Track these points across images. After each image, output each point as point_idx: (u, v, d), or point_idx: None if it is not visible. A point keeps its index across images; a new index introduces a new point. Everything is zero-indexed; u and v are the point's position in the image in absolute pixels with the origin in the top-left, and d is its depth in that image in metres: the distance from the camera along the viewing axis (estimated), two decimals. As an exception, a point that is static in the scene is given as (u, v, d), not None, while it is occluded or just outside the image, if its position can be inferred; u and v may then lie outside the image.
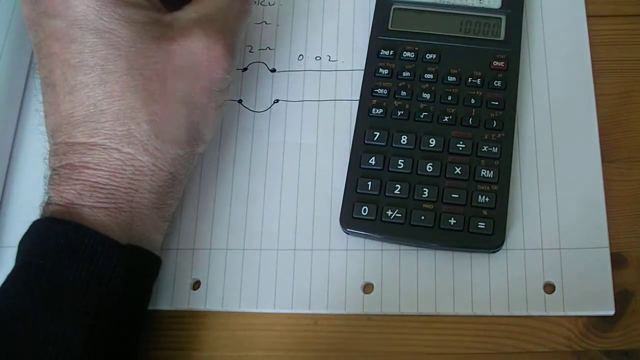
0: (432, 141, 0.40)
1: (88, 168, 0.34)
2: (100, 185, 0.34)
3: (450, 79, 0.41)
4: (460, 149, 0.39)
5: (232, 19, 0.37)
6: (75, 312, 0.32)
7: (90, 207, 0.34)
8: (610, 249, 0.38)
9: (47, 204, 0.35)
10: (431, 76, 0.41)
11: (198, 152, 0.38)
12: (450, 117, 0.40)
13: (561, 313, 0.37)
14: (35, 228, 0.34)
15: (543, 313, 0.37)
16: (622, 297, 0.37)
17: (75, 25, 0.33)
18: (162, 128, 0.34)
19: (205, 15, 0.36)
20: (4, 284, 0.33)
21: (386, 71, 0.42)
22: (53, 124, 0.35)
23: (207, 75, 0.35)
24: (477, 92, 0.41)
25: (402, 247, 0.39)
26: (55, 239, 0.33)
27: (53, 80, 0.34)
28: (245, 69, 0.45)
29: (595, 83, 0.42)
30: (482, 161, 0.39)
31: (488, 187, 0.39)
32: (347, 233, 0.39)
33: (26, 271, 0.33)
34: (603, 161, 0.40)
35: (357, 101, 0.42)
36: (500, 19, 0.43)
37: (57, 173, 0.35)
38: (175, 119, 0.35)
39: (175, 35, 0.35)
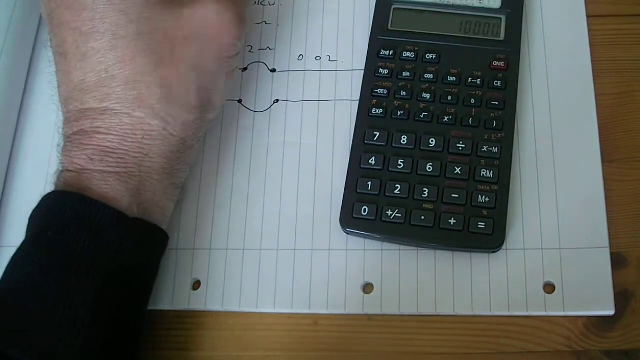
0: (432, 141, 0.40)
1: (99, 133, 0.34)
2: (111, 150, 0.34)
3: (450, 79, 0.41)
4: (460, 149, 0.39)
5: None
6: (83, 283, 0.32)
7: (101, 171, 0.34)
8: (610, 249, 0.38)
9: (60, 171, 0.35)
10: (431, 76, 0.41)
11: (208, 119, 0.38)
12: (450, 117, 0.40)
13: (561, 313, 0.37)
14: (45, 201, 0.35)
15: (543, 313, 0.37)
16: (622, 297, 0.37)
17: None
18: (172, 92, 0.35)
19: None
20: (13, 256, 0.34)
21: (386, 71, 0.42)
22: (66, 92, 0.35)
23: (217, 41, 0.36)
24: (477, 92, 0.41)
25: (402, 247, 0.39)
26: (63, 211, 0.33)
27: (65, 49, 0.35)
28: (245, 69, 0.45)
29: (595, 83, 0.42)
30: (482, 161, 0.39)
31: (488, 187, 0.39)
32: (347, 233, 0.39)
33: (35, 243, 0.34)
34: (603, 161, 0.40)
35: (357, 101, 0.42)
36: (500, 19, 0.43)
37: (70, 140, 0.35)
38: (185, 83, 0.35)
39: (187, 1, 0.35)
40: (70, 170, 0.35)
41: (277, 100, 0.44)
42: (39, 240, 0.34)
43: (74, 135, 0.35)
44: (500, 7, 0.43)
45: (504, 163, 0.39)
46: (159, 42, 0.34)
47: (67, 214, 0.33)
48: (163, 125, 0.35)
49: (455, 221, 0.38)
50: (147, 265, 0.36)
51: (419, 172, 0.39)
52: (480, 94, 0.41)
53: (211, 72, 0.37)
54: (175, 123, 0.35)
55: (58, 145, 0.36)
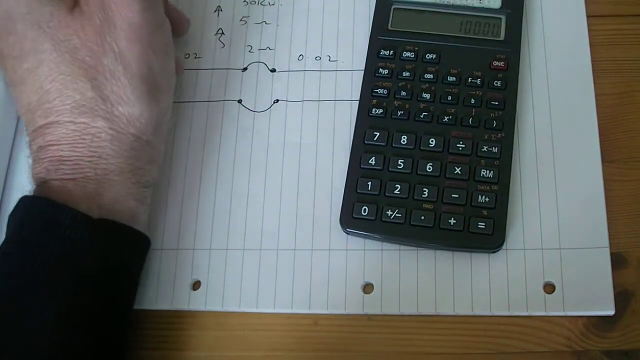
0: (432, 141, 0.40)
1: (51, 145, 0.35)
2: (65, 158, 0.35)
3: (450, 79, 0.41)
4: (460, 149, 0.39)
5: None
6: (50, 289, 0.33)
7: (59, 180, 0.35)
8: (610, 249, 0.38)
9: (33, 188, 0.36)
10: (431, 76, 0.41)
11: (161, 108, 0.37)
12: (450, 117, 0.40)
13: (561, 313, 0.37)
14: (19, 205, 0.35)
15: (543, 313, 0.37)
16: (622, 297, 0.37)
17: (6, 17, 0.35)
18: (105, 90, 0.35)
19: None
20: None
21: (386, 71, 0.42)
22: (23, 117, 0.37)
23: (124, 23, 0.35)
24: (477, 92, 0.41)
25: (402, 247, 0.39)
26: (30, 215, 0.34)
27: (9, 77, 0.36)
28: (245, 69, 0.45)
29: (595, 83, 0.42)
30: (482, 161, 0.39)
31: (488, 187, 0.39)
32: (347, 233, 0.39)
33: (7, 249, 0.34)
34: (603, 161, 0.40)
35: (357, 101, 0.42)
36: (500, 19, 0.43)
37: (32, 158, 0.36)
38: (114, 77, 0.35)
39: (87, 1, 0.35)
40: (35, 185, 0.36)
41: (277, 100, 0.44)
42: (11, 245, 0.34)
43: (34, 154, 0.36)
44: (500, 7, 0.43)
45: (504, 163, 0.39)
46: (75, 46, 0.35)
47: (33, 218, 0.34)
48: (108, 124, 0.35)
49: (455, 221, 0.38)
50: (123, 266, 0.36)
51: (419, 172, 0.39)
52: (480, 94, 0.41)
53: (136, 57, 0.36)
54: (120, 120, 0.35)
55: (29, 166, 0.37)
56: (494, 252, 0.38)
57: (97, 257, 0.34)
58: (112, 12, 0.35)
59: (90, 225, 0.34)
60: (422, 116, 0.40)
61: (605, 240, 0.38)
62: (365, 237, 0.39)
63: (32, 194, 0.35)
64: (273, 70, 0.45)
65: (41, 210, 0.34)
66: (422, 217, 0.38)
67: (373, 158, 0.40)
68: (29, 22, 0.35)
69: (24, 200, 0.35)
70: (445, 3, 0.43)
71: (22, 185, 0.42)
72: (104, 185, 0.35)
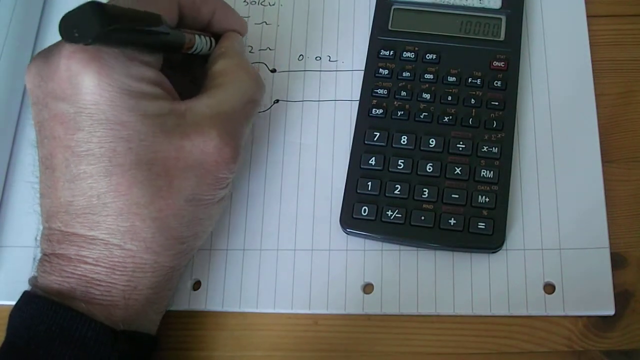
0: (432, 141, 0.40)
1: (86, 263, 0.32)
2: (97, 282, 0.32)
3: (450, 79, 0.41)
4: (460, 149, 0.39)
5: (242, 120, 0.36)
6: None
7: (86, 302, 0.32)
8: (610, 249, 0.38)
9: (36, 285, 0.33)
10: (431, 76, 0.41)
11: (198, 245, 0.37)
12: (450, 117, 0.40)
13: (561, 313, 0.37)
14: (27, 304, 0.32)
15: (543, 313, 0.37)
16: (622, 297, 0.37)
17: (84, 113, 0.31)
18: (166, 225, 0.33)
19: (219, 113, 0.35)
20: None
21: (386, 71, 0.42)
22: (49, 207, 0.33)
23: (214, 174, 0.34)
24: (477, 92, 0.41)
25: (402, 247, 0.39)
26: (47, 323, 0.31)
27: (53, 164, 0.32)
28: (246, 69, 0.45)
29: (595, 83, 0.42)
30: (482, 161, 0.39)
31: (488, 187, 0.39)
32: (347, 233, 0.39)
33: (16, 355, 0.32)
34: (603, 161, 0.40)
35: (357, 101, 0.42)
36: (500, 19, 0.43)
37: (49, 260, 0.33)
38: (180, 215, 0.34)
39: (187, 130, 0.33)
40: (49, 293, 0.33)
41: (277, 101, 0.44)
42: (21, 353, 0.32)
43: (54, 257, 0.33)
44: (500, 7, 0.43)
45: (504, 163, 0.39)
46: (157, 173, 0.32)
47: (50, 327, 0.31)
48: (155, 257, 0.33)
49: (455, 221, 0.38)
50: None
51: (419, 173, 0.39)
52: (480, 94, 0.41)
53: (205, 204, 0.35)
54: (167, 254, 0.34)
55: (34, 258, 0.35)
56: (494, 252, 0.38)
57: None
58: (210, 160, 0.34)
59: (114, 340, 0.32)
60: (422, 116, 0.40)
61: (605, 240, 0.38)
62: (365, 237, 0.39)
63: (34, 286, 0.33)
64: (273, 71, 0.45)
65: (59, 319, 0.31)
66: (422, 217, 0.38)
67: (373, 158, 0.40)
68: (114, 132, 0.32)
69: (39, 301, 0.32)
70: (445, 3, 0.43)
71: (23, 186, 0.42)
72: (128, 315, 0.33)
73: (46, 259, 0.33)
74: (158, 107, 0.33)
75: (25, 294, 0.33)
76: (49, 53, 0.32)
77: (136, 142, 0.32)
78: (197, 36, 0.37)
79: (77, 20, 0.28)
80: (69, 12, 0.29)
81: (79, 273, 0.32)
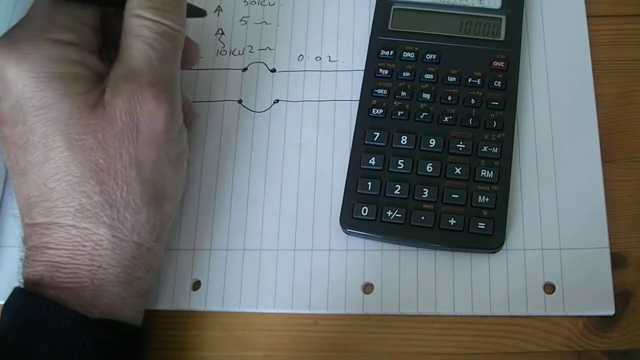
0: (432, 141, 0.40)
1: (48, 248, 0.33)
2: (62, 265, 0.33)
3: (450, 79, 0.41)
4: (460, 149, 0.39)
5: (157, 65, 0.35)
6: None
7: (54, 287, 0.33)
8: (610, 249, 0.38)
9: (20, 281, 0.34)
10: (431, 76, 0.41)
11: (165, 214, 0.36)
12: (450, 117, 0.40)
13: (561, 313, 0.37)
14: (10, 298, 0.34)
15: (543, 313, 0.37)
16: (622, 297, 0.37)
17: (16, 107, 0.33)
18: (114, 196, 0.33)
19: (132, 70, 0.34)
20: None
21: (386, 71, 0.42)
22: (19, 206, 0.35)
23: (147, 130, 0.34)
24: (477, 92, 0.41)
25: (402, 247, 0.39)
26: (23, 313, 0.32)
27: (10, 164, 0.34)
28: (246, 69, 0.45)
29: (595, 83, 0.42)
30: (482, 161, 0.39)
31: (488, 187, 0.39)
32: (347, 233, 0.39)
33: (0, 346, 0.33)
34: (603, 161, 0.40)
35: (357, 101, 0.42)
36: (500, 19, 0.43)
37: (26, 255, 0.34)
38: (126, 183, 0.33)
39: (110, 97, 0.34)
40: (26, 287, 0.34)
41: (277, 100, 0.44)
42: (1, 345, 0.32)
43: (28, 251, 0.34)
44: (500, 7, 0.43)
45: (504, 163, 0.39)
46: (90, 148, 0.33)
47: (26, 317, 0.32)
48: (112, 232, 0.33)
49: (455, 221, 0.38)
50: None
51: (419, 173, 0.39)
52: (480, 94, 0.41)
53: (152, 164, 0.34)
54: (125, 227, 0.34)
55: (20, 259, 0.35)
56: (494, 252, 0.38)
57: (92, 358, 0.32)
58: (137, 116, 0.33)
59: (89, 329, 0.32)
60: (422, 116, 0.40)
61: (605, 240, 0.38)
62: (365, 237, 0.39)
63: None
64: (273, 70, 0.45)
65: (35, 309, 0.32)
66: (422, 217, 0.38)
67: (373, 158, 0.40)
68: (41, 117, 0.32)
69: (20, 294, 0.33)
70: (445, 3, 0.43)
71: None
72: (99, 297, 0.33)
73: (25, 254, 0.35)
74: (81, 85, 0.33)
75: (13, 290, 0.34)
76: None
77: (64, 122, 0.33)
78: None
79: None
80: None
81: (45, 259, 0.33)
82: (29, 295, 0.33)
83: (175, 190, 0.36)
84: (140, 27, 0.35)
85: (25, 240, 0.35)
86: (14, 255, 0.40)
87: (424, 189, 0.39)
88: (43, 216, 0.33)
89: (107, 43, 0.37)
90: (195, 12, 0.41)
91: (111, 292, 0.34)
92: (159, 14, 0.35)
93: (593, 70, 0.42)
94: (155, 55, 0.34)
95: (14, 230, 0.41)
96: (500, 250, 0.38)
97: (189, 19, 0.37)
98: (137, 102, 0.33)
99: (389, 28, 0.43)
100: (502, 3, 0.43)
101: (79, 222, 0.33)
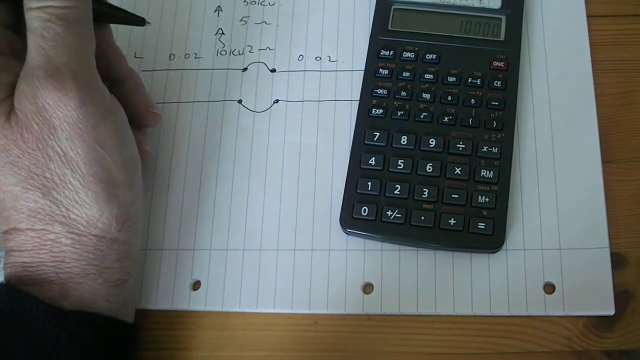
0: (432, 141, 0.40)
1: (13, 251, 0.34)
2: (27, 264, 0.34)
3: (450, 79, 0.41)
4: (460, 149, 0.39)
5: (57, 53, 0.33)
6: None
7: (22, 284, 0.34)
8: (610, 249, 0.38)
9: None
10: (431, 76, 0.41)
11: (123, 201, 0.35)
12: (450, 117, 0.40)
13: (561, 313, 0.37)
14: None
15: (543, 313, 0.37)
16: (622, 297, 0.37)
17: None
18: (57, 195, 0.33)
19: (29, 68, 0.33)
20: None
21: (386, 71, 0.42)
22: None
23: (62, 122, 0.33)
24: (477, 92, 0.41)
25: (402, 247, 0.39)
26: (0, 306, 0.33)
27: None
28: (245, 69, 0.45)
29: (595, 83, 0.42)
30: (482, 161, 0.39)
31: (488, 187, 0.39)
32: (347, 233, 0.39)
33: None
34: (603, 161, 0.40)
35: (357, 101, 0.42)
36: (500, 19, 0.43)
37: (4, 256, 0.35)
38: (64, 182, 0.33)
39: (16, 103, 0.33)
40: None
41: (277, 100, 0.44)
42: None
43: (5, 256, 0.35)
44: (500, 7, 0.43)
45: (504, 163, 0.39)
46: (17, 155, 0.33)
47: (1, 309, 0.33)
48: (66, 229, 0.33)
49: (455, 221, 0.38)
50: (102, 358, 0.34)
51: (419, 173, 0.39)
52: (480, 94, 0.41)
53: (84, 156, 0.33)
54: (78, 222, 0.34)
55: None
56: (494, 252, 0.38)
57: (67, 351, 0.32)
58: (48, 114, 0.32)
59: (63, 320, 0.33)
60: (422, 116, 0.40)
61: (605, 240, 0.38)
62: (365, 237, 0.39)
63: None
64: (273, 70, 0.45)
65: (8, 301, 0.33)
66: (422, 218, 0.38)
67: (373, 158, 0.40)
68: None
69: None
70: (445, 3, 0.43)
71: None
72: (67, 289, 0.34)
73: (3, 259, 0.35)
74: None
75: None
76: None
77: None
78: None
79: None
80: None
81: (12, 262, 0.34)
82: (5, 289, 0.34)
83: (125, 176, 0.35)
84: (31, 20, 0.33)
85: (2, 246, 0.35)
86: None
87: (424, 189, 0.39)
88: (4, 225, 0.34)
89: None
90: (133, 19, 0.40)
91: (79, 283, 0.34)
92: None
93: (593, 70, 0.42)
94: (47, 44, 0.33)
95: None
96: (500, 250, 0.38)
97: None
98: (41, 99, 0.32)
99: (389, 28, 0.43)
100: (502, 3, 0.43)
101: (35, 225, 0.33)
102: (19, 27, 0.36)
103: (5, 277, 0.34)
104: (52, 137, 0.33)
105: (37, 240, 0.34)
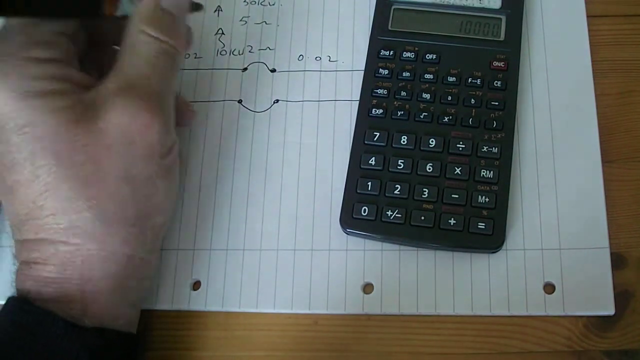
0: (432, 141, 0.40)
1: (37, 263, 0.33)
2: (50, 280, 0.33)
3: (450, 79, 0.41)
4: (460, 149, 0.39)
5: (154, 82, 0.34)
6: None
7: (42, 301, 0.33)
8: (610, 249, 0.38)
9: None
10: (431, 76, 0.41)
11: (157, 225, 0.35)
12: (450, 117, 0.40)
13: (561, 313, 0.37)
14: (8, 306, 0.33)
15: (543, 313, 0.37)
16: (622, 297, 0.37)
17: None
18: (105, 211, 0.33)
19: (125, 83, 0.34)
20: None
21: (386, 71, 0.42)
22: (10, 223, 0.35)
23: (140, 144, 0.33)
24: (477, 92, 0.41)
25: (402, 247, 0.39)
26: (18, 322, 0.32)
27: None
28: (245, 69, 0.45)
29: (595, 83, 0.42)
30: (482, 161, 0.39)
31: (488, 188, 0.39)
32: (347, 233, 0.39)
33: None
34: (603, 161, 0.40)
35: (357, 101, 0.42)
36: (500, 19, 0.43)
37: (17, 270, 0.34)
38: (118, 198, 0.33)
39: (99, 111, 0.33)
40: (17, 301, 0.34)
41: (277, 100, 0.44)
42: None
43: (20, 266, 0.34)
44: (500, 7, 0.43)
45: (504, 163, 0.39)
46: (80, 163, 0.32)
47: (21, 325, 0.32)
48: (102, 246, 0.33)
49: (455, 221, 0.38)
50: None
51: (419, 173, 0.39)
52: (480, 94, 0.41)
53: (144, 178, 0.34)
54: (115, 241, 0.33)
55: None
56: (494, 252, 0.38)
57: None
58: (131, 131, 0.33)
59: (82, 337, 0.32)
60: (422, 116, 0.40)
61: (605, 240, 0.38)
62: (365, 237, 0.39)
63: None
64: (273, 70, 0.45)
65: (27, 317, 0.32)
66: (422, 218, 0.38)
67: (373, 158, 0.40)
68: (27, 135, 0.32)
69: (13, 303, 0.33)
70: (445, 3, 0.43)
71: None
72: (89, 307, 0.33)
73: (17, 267, 0.34)
74: (65, 101, 0.33)
75: (7, 299, 0.34)
76: None
77: (50, 139, 0.32)
78: None
79: None
80: None
81: (34, 275, 0.33)
82: (23, 303, 0.33)
83: (166, 203, 0.36)
84: (143, 44, 0.34)
85: (16, 255, 0.34)
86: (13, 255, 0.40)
87: (424, 189, 0.39)
88: (33, 233, 0.33)
89: (91, 47, 0.37)
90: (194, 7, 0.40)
91: (102, 302, 0.33)
92: (164, 32, 0.35)
93: (593, 70, 0.42)
94: (153, 71, 0.34)
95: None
96: (500, 250, 0.38)
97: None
98: (131, 116, 0.33)
99: (389, 28, 0.43)
100: (502, 3, 0.43)
101: (69, 239, 0.33)
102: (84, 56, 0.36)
103: (22, 290, 0.33)
104: (124, 152, 0.33)
105: (68, 255, 0.33)
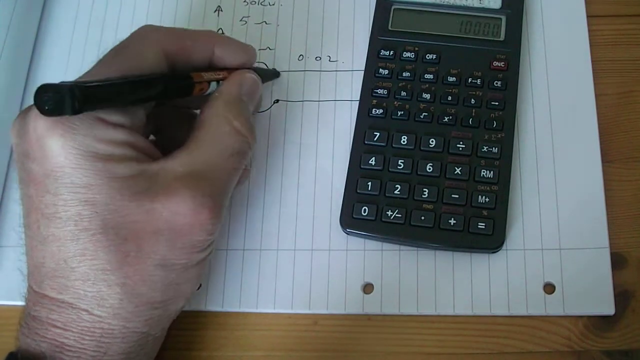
0: (432, 141, 0.40)
1: (55, 327, 0.32)
2: (67, 347, 0.32)
3: (450, 79, 0.41)
4: (460, 149, 0.39)
5: (224, 177, 0.34)
6: None
7: None
8: (610, 249, 0.38)
9: (19, 346, 0.33)
10: (431, 76, 0.41)
11: (179, 308, 0.35)
12: (450, 117, 0.40)
13: (561, 313, 0.37)
14: None
15: (543, 313, 0.37)
16: (622, 297, 0.37)
17: (51, 176, 0.31)
18: (135, 291, 0.32)
19: (194, 171, 0.33)
20: None
21: (386, 71, 0.42)
22: (28, 266, 0.33)
23: (188, 238, 0.32)
24: (477, 92, 0.41)
25: (402, 247, 0.39)
26: None
27: (29, 222, 0.32)
28: (246, 69, 0.45)
29: (595, 83, 0.42)
30: (482, 161, 0.39)
31: (488, 188, 0.39)
32: (347, 233, 0.39)
33: None
34: (603, 161, 0.40)
35: (357, 101, 0.42)
36: (500, 19, 0.43)
37: (26, 321, 0.33)
38: (151, 281, 0.32)
39: (158, 190, 0.32)
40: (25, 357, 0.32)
41: (277, 100, 0.44)
42: None
43: (30, 319, 0.32)
44: (500, 7, 0.43)
45: (504, 163, 0.39)
46: (124, 238, 0.31)
47: None
48: (124, 324, 0.32)
49: (455, 221, 0.38)
50: None
51: (419, 173, 0.39)
52: (480, 94, 0.41)
53: (180, 267, 0.33)
54: (138, 320, 0.32)
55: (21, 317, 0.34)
56: (494, 252, 0.38)
57: None
58: (183, 222, 0.32)
59: None
60: (422, 116, 0.40)
61: (605, 240, 0.38)
62: (365, 237, 0.39)
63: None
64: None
65: None
66: (422, 218, 0.38)
67: (373, 158, 0.40)
68: (80, 195, 0.31)
69: None
70: (445, 3, 0.43)
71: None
72: None
73: (25, 319, 0.33)
74: (127, 169, 0.31)
75: (8, 355, 0.32)
76: (27, 112, 0.32)
77: (102, 205, 0.31)
78: (205, 76, 0.35)
79: (53, 95, 0.28)
80: (48, 85, 0.28)
81: (50, 337, 0.32)
82: None
83: (192, 290, 0.35)
84: (224, 134, 0.34)
85: (28, 304, 0.33)
86: (14, 255, 0.40)
87: (424, 189, 0.39)
88: (56, 292, 0.32)
89: (159, 129, 0.37)
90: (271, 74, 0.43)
91: None
92: (244, 126, 0.35)
93: (593, 70, 0.42)
94: (225, 167, 0.34)
95: (14, 230, 0.41)
96: (500, 250, 0.38)
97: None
98: (191, 210, 0.32)
99: (389, 28, 0.43)
100: (502, 3, 0.43)
101: (94, 309, 0.31)
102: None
103: (36, 351, 0.32)
104: (169, 239, 0.32)
105: (88, 325, 0.32)
